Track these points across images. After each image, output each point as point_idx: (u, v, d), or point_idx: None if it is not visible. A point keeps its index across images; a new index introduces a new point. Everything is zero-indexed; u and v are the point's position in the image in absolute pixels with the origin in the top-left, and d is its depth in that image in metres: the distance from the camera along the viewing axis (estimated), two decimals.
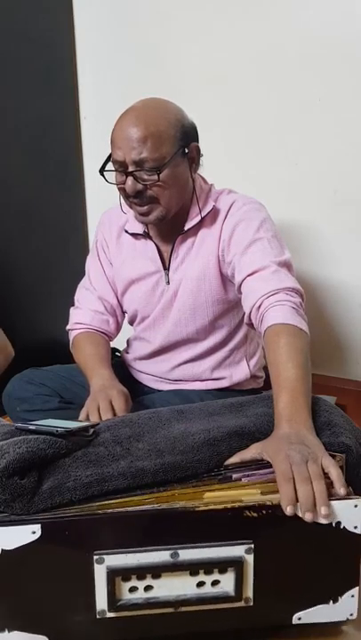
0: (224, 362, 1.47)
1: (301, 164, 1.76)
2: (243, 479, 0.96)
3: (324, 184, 1.73)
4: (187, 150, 1.28)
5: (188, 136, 1.28)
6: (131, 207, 1.32)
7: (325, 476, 0.92)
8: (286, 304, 1.18)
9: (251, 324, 1.26)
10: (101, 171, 1.27)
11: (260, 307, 1.21)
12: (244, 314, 1.28)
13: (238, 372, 1.47)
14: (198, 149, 1.32)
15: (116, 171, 1.26)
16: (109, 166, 1.28)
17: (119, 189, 1.29)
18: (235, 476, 0.97)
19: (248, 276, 1.26)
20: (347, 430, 1.05)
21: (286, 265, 1.27)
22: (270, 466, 0.95)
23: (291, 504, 0.88)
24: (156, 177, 1.23)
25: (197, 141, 1.32)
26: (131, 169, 1.23)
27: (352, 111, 1.64)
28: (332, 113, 1.67)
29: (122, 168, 1.25)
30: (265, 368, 1.48)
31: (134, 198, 1.27)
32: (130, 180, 1.24)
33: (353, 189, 1.69)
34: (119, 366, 1.55)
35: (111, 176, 1.28)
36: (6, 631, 0.90)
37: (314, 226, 1.77)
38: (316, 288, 1.80)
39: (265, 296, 1.20)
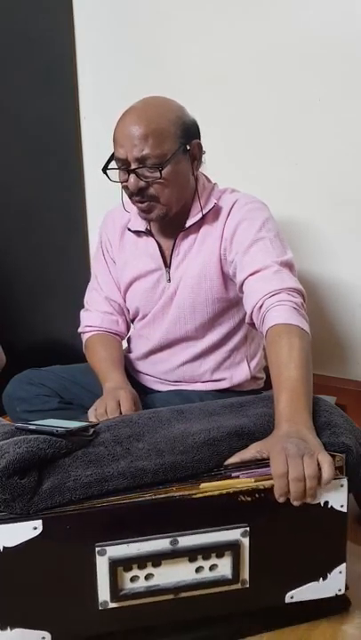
0: (224, 363, 1.47)
1: (301, 164, 1.75)
2: (241, 476, 0.96)
3: (324, 184, 1.73)
4: (188, 147, 1.28)
5: (189, 133, 1.28)
6: (134, 204, 1.32)
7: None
8: (288, 304, 1.18)
9: (252, 324, 1.26)
10: (104, 169, 1.28)
11: (261, 307, 1.21)
12: (245, 313, 1.28)
13: (239, 374, 1.47)
14: (200, 146, 1.32)
15: (118, 169, 1.27)
16: (112, 165, 1.28)
17: (123, 187, 1.30)
18: (234, 475, 0.97)
19: (250, 275, 1.26)
20: (347, 430, 1.05)
21: (288, 265, 1.27)
22: (270, 465, 0.96)
23: (283, 497, 0.93)
24: (157, 174, 1.24)
25: (199, 138, 1.32)
26: (133, 166, 1.24)
27: (352, 111, 1.64)
28: (332, 113, 1.67)
29: (124, 166, 1.25)
30: (265, 369, 1.48)
31: (136, 196, 1.28)
32: (132, 178, 1.25)
33: (353, 189, 1.69)
34: None
35: (114, 174, 1.29)
36: (8, 629, 0.90)
37: (314, 226, 1.77)
38: (317, 288, 1.80)
39: (266, 296, 1.20)
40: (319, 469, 0.93)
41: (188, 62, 1.88)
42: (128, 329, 1.56)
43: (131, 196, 1.29)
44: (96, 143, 2.12)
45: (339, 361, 1.83)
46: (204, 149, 1.34)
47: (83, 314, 1.54)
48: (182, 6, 1.86)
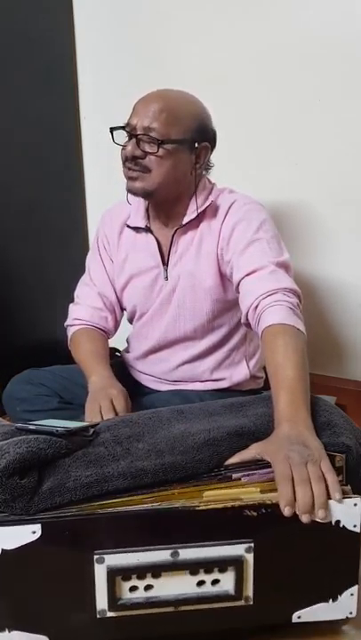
0: (224, 362, 1.47)
1: (301, 164, 1.75)
2: (242, 478, 0.96)
3: (324, 184, 1.73)
4: (196, 145, 1.30)
5: (202, 134, 1.31)
6: (124, 172, 1.33)
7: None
8: (284, 304, 1.18)
9: (248, 324, 1.26)
10: (112, 128, 1.30)
11: (257, 307, 1.21)
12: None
13: (238, 373, 1.47)
14: (208, 151, 1.34)
15: (123, 129, 1.29)
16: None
17: (121, 153, 1.31)
18: (235, 475, 0.97)
19: (246, 275, 1.26)
20: (347, 430, 1.05)
21: (284, 266, 1.27)
22: (270, 465, 0.95)
23: (289, 505, 0.89)
24: (155, 148, 1.26)
25: (212, 146, 1.35)
26: (138, 132, 1.27)
27: (352, 111, 1.64)
28: (332, 113, 1.67)
29: (131, 130, 1.28)
30: (264, 368, 1.48)
31: (130, 162, 1.29)
32: (131, 144, 1.27)
33: (353, 189, 1.69)
34: (119, 366, 1.55)
35: (118, 137, 1.30)
36: (6, 631, 0.90)
37: (314, 226, 1.77)
38: (316, 288, 1.80)
39: (262, 296, 1.20)
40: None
41: (188, 62, 1.88)
42: (116, 327, 1.55)
43: (125, 161, 1.31)
44: (96, 143, 2.12)
45: (338, 361, 1.83)
46: (212, 163, 1.37)
47: (72, 307, 1.53)
48: (182, 6, 1.86)
